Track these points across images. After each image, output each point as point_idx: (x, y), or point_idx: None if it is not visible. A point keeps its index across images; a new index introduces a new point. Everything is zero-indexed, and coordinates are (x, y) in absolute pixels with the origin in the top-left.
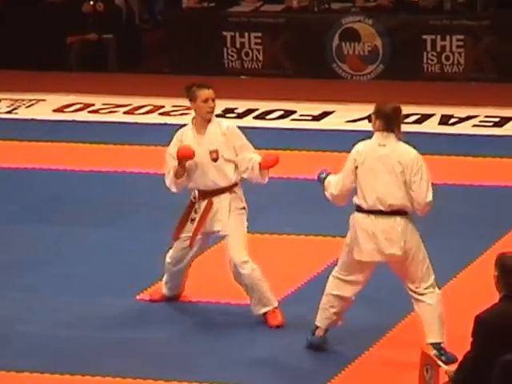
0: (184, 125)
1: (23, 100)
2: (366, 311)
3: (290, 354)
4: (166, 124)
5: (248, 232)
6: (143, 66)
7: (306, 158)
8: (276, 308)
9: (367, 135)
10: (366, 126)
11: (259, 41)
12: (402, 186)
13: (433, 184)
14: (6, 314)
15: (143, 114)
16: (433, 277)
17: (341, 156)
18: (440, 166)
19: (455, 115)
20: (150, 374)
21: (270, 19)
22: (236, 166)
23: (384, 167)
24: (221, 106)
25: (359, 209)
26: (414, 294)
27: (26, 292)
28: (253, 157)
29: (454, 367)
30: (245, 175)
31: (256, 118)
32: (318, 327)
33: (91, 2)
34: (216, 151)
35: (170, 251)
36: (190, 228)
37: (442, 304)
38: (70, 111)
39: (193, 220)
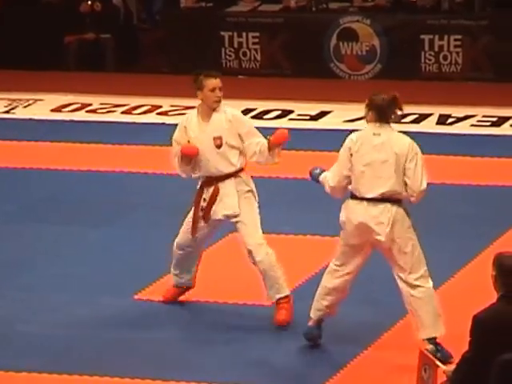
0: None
1: (21, 100)
2: (362, 312)
3: (287, 354)
4: (163, 124)
5: None
6: (141, 66)
7: (303, 157)
8: (288, 300)
9: None
10: (363, 125)
11: (257, 40)
12: (396, 175)
13: (430, 184)
14: (5, 314)
15: (141, 113)
16: (424, 268)
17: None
18: (438, 166)
19: (453, 115)
20: (148, 374)
21: (268, 19)
22: (240, 153)
23: (379, 156)
24: None
25: (352, 195)
26: (404, 286)
27: (24, 292)
28: (260, 140)
29: (452, 367)
30: (254, 159)
31: (254, 117)
32: (310, 318)
33: (89, 2)
34: (220, 138)
35: (178, 237)
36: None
37: (435, 297)
38: (67, 111)
39: (202, 209)
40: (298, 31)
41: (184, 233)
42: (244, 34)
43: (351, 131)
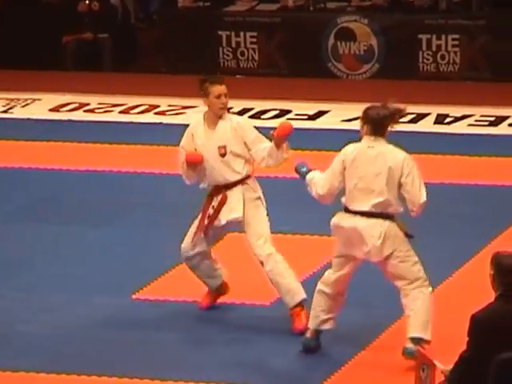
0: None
1: (19, 99)
2: (357, 314)
3: (286, 354)
4: (161, 123)
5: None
6: (139, 66)
7: (301, 157)
8: (303, 307)
9: None
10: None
11: (255, 40)
12: (388, 188)
13: (428, 183)
14: (4, 314)
15: (139, 113)
16: (420, 280)
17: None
18: (436, 166)
19: (451, 114)
20: (146, 374)
21: (266, 18)
22: (246, 161)
23: (372, 169)
24: None
25: (345, 208)
26: (400, 291)
27: (23, 292)
28: (267, 145)
29: (449, 366)
30: (263, 164)
31: (251, 117)
32: (308, 328)
33: (87, 2)
34: (224, 147)
35: (183, 243)
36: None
37: (430, 303)
38: (65, 111)
39: (209, 217)
40: (295, 31)
41: (188, 241)
42: (242, 34)
43: (349, 131)
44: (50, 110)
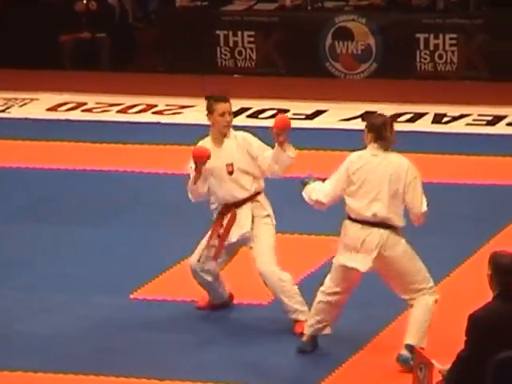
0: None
1: (16, 99)
2: (355, 315)
3: (285, 354)
4: (159, 123)
5: None
6: (136, 65)
7: (299, 156)
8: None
9: (360, 134)
10: (359, 124)
11: (252, 39)
12: (391, 197)
13: (425, 183)
14: (4, 314)
15: (136, 112)
16: (424, 285)
17: (334, 155)
18: (433, 165)
19: (448, 114)
20: (144, 373)
21: (263, 18)
22: (254, 177)
23: (376, 177)
24: None
25: (349, 216)
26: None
27: (23, 291)
28: (271, 152)
29: (447, 366)
30: (269, 172)
31: (249, 116)
32: (304, 334)
33: (84, 1)
34: (231, 164)
35: (192, 258)
36: (215, 241)
37: (431, 311)
38: (63, 110)
39: (219, 236)
40: (293, 30)
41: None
42: (239, 33)
43: (347, 130)
44: (48, 109)
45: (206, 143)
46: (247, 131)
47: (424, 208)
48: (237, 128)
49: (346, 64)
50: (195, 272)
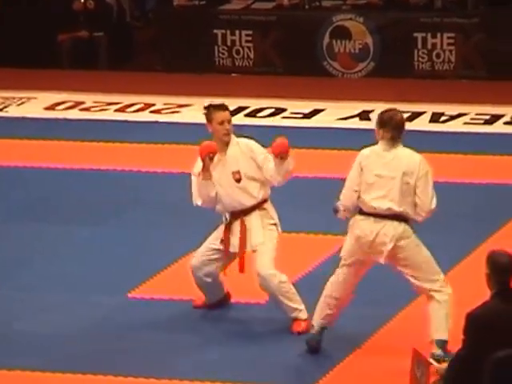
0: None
1: (14, 98)
2: (353, 313)
3: (284, 353)
4: (157, 122)
5: None
6: (134, 64)
7: (297, 156)
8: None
9: (358, 133)
10: (356, 123)
11: (250, 38)
12: (403, 192)
13: None
14: (3, 313)
15: (134, 111)
16: (438, 277)
17: (332, 153)
18: (431, 164)
19: (446, 113)
20: (142, 372)
21: (261, 17)
22: (261, 184)
23: (387, 172)
24: None
25: (360, 210)
26: (420, 291)
27: (22, 291)
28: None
29: (445, 365)
30: (274, 182)
31: (247, 115)
32: (312, 325)
33: (82, 0)
34: (238, 172)
35: (194, 259)
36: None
37: (449, 303)
38: (61, 109)
39: (222, 241)
40: (290, 29)
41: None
42: (237, 32)
43: (344, 129)
44: (46, 108)
45: None
46: (245, 130)
47: (433, 205)
48: (235, 127)
49: (344, 63)
50: (196, 273)
